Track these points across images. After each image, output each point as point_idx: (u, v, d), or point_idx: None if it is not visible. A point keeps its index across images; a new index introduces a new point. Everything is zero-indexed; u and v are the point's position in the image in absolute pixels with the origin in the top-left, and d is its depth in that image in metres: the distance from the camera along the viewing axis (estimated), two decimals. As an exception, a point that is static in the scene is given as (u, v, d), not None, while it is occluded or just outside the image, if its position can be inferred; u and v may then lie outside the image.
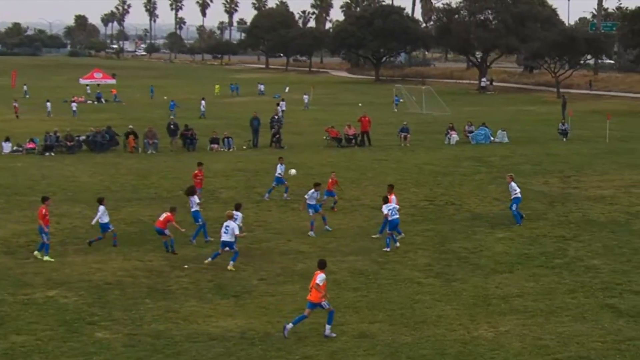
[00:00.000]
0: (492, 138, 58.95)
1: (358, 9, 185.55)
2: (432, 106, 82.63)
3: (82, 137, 54.85)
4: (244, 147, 55.24)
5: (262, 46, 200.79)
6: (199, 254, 28.00)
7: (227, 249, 26.45)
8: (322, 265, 20.65)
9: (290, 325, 20.38)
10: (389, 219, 28.72)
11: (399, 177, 42.97)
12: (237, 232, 26.56)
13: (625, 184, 40.58)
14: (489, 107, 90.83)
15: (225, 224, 26.69)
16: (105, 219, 28.98)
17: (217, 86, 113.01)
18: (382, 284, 24.51)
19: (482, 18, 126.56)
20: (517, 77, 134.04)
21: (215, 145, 54.27)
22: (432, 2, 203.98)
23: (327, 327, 20.37)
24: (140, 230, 31.14)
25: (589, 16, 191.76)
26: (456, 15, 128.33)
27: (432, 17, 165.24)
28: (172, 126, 56.29)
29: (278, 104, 74.32)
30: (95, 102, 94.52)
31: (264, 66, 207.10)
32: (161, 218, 28.24)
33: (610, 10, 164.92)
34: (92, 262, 26.83)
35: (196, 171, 36.69)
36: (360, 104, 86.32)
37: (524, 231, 31.02)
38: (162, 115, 73.34)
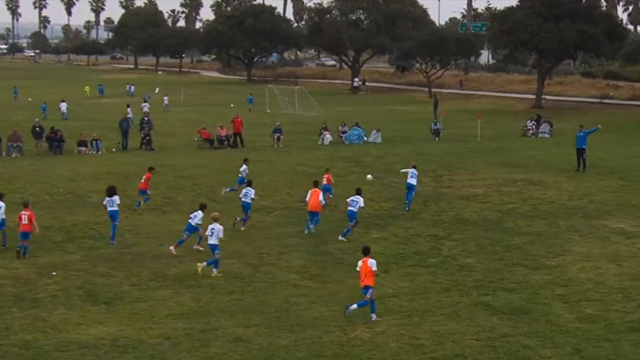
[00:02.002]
0: (365, 138, 59.55)
1: (228, 8, 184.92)
2: (305, 106, 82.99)
3: (-59, 141, 53.17)
4: (113, 150, 54.51)
5: (131, 46, 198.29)
6: (67, 259, 27.50)
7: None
8: (367, 251, 21.95)
9: (374, 315, 21.43)
10: (348, 208, 30.16)
11: (273, 178, 43.04)
12: (221, 235, 26.12)
13: (496, 183, 41.51)
14: (362, 107, 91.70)
15: (210, 226, 26.30)
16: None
17: (87, 87, 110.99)
18: (257, 287, 24.51)
19: (353, 18, 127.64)
20: (390, 77, 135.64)
21: (83, 148, 53.36)
22: (303, 2, 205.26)
23: (353, 306, 21.53)
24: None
25: (459, 16, 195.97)
26: (328, 15, 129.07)
27: (304, 17, 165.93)
28: (37, 128, 55.06)
29: (127, 106, 73.22)
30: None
31: (132, 66, 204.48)
32: (24, 221, 27.61)
33: (479, 10, 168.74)
34: (-47, 270, 26.07)
35: (148, 174, 36.24)
36: (232, 105, 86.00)
37: (399, 231, 31.45)
38: (26, 118, 71.51)
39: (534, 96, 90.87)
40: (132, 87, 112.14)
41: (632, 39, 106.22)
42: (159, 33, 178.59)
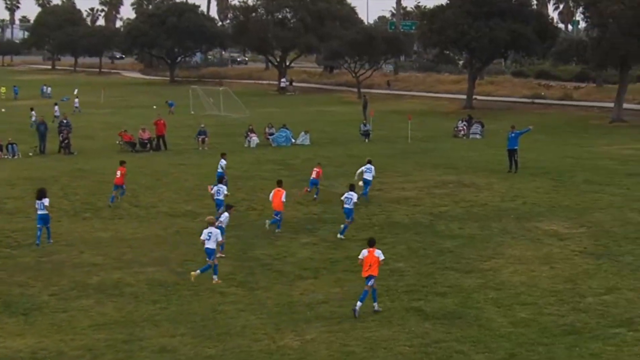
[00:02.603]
0: (293, 140, 59.60)
1: (150, 7, 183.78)
2: (230, 108, 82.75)
3: None
4: (30, 154, 53.82)
5: (48, 46, 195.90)
6: (-18, 269, 27.10)
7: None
8: (373, 243, 23.07)
9: (376, 305, 22.66)
10: (344, 206, 31.35)
11: (198, 182, 42.82)
12: (220, 238, 25.94)
13: (427, 185, 41.80)
14: (289, 108, 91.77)
15: (207, 230, 26.02)
16: None
17: (3, 88, 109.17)
18: (183, 295, 24.36)
19: (280, 16, 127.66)
20: (318, 78, 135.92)
21: (-2, 153, 52.67)
22: (227, 0, 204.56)
23: (359, 303, 22.39)
24: None
25: (388, 15, 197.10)
26: (253, 14, 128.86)
27: (229, 15, 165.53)
28: (-51, 132, 54.26)
29: (31, 109, 72.06)
30: None
31: (50, 67, 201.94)
32: None
33: (409, 9, 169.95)
34: None
35: (122, 169, 37.45)
36: (155, 107, 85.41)
37: (328, 235, 31.48)
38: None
39: (465, 96, 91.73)
40: (49, 89, 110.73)
41: (563, 38, 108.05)
42: (77, 32, 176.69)
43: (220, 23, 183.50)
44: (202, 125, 59.65)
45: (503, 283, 25.37)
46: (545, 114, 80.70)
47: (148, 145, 56.57)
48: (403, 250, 29.44)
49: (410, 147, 56.66)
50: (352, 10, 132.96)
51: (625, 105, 75.53)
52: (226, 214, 28.67)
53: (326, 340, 20.64)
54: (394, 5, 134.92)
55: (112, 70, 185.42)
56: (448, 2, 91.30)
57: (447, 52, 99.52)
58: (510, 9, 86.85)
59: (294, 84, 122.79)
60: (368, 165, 37.82)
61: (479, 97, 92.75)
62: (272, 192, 32.35)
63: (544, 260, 27.89)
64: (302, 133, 60.57)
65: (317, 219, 33.97)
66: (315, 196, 38.10)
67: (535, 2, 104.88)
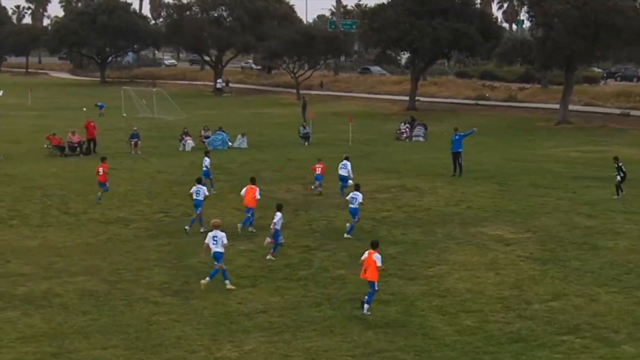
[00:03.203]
0: (230, 143, 59.44)
1: (79, 4, 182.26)
2: (164, 110, 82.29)
3: None
4: (-47, 159, 53.16)
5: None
6: None
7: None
8: (375, 245, 23.51)
9: (367, 306, 23.10)
10: (350, 206, 32.32)
11: (130, 187, 42.53)
12: (225, 241, 25.82)
13: (369, 189, 41.75)
14: (225, 110, 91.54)
15: (211, 234, 25.83)
16: None
17: None
18: (115, 306, 24.15)
19: (215, 15, 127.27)
20: (255, 78, 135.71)
21: None
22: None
23: (366, 306, 23.11)
24: None
25: (327, 14, 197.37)
26: (188, 12, 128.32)
27: (162, 14, 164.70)
28: None
29: None
30: None
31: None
32: None
33: (349, 7, 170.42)
34: None
35: (105, 165, 38.85)
36: (85, 109, 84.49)
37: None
38: None
39: (407, 98, 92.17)
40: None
41: (508, 38, 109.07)
42: (3, 31, 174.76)
43: (153, 21, 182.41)
44: (135, 128, 59.22)
45: (448, 290, 25.50)
46: (490, 115, 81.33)
47: (78, 149, 56.06)
48: (344, 257, 29.43)
49: (351, 151, 56.44)
50: (291, 8, 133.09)
51: (570, 107, 76.50)
52: (279, 213, 29.23)
53: (266, 351, 20.59)
54: (334, 4, 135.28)
55: (40, 71, 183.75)
56: (389, 0, 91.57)
57: (389, 51, 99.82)
58: (453, 8, 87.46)
59: (230, 84, 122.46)
60: (344, 162, 39.79)
61: (421, 99, 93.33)
62: (245, 188, 32.85)
63: (489, 266, 28.10)
64: (239, 136, 60.45)
65: (255, 225, 33.84)
66: (319, 189, 40.45)
67: (478, 1, 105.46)
